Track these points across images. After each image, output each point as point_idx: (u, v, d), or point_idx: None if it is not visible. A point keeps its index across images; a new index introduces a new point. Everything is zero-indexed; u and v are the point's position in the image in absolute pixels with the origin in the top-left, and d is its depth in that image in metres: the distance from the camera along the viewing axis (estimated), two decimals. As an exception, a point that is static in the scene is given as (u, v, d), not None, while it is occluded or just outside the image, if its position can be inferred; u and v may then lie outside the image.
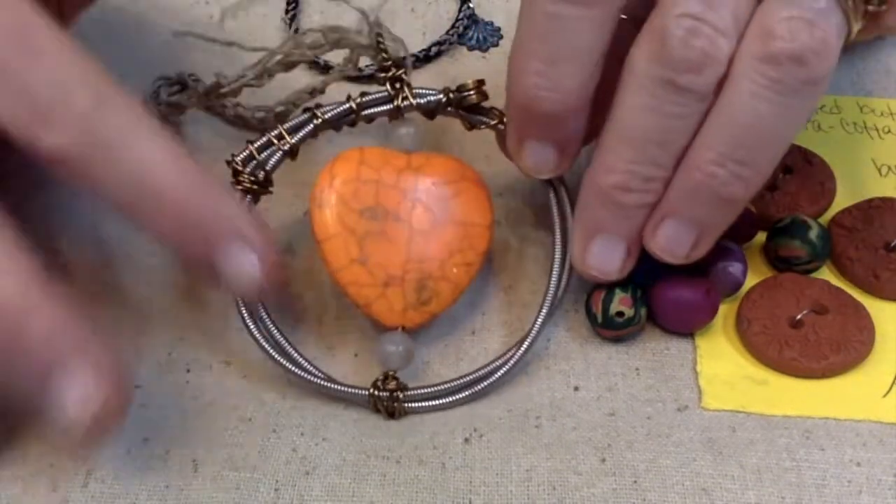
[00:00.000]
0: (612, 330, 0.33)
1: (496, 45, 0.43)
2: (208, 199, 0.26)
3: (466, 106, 0.34)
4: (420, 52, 0.42)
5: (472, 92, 0.33)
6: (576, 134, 0.31)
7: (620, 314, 0.32)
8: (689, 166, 0.29)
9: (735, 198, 0.29)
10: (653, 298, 0.33)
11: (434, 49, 0.42)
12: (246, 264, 0.26)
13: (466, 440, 0.30)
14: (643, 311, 0.33)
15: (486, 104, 0.34)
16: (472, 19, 0.44)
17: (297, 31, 0.43)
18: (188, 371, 0.33)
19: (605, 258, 0.31)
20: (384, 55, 0.34)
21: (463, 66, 0.43)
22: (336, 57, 0.40)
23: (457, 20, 0.44)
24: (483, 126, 0.34)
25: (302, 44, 0.34)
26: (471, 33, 0.44)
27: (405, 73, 0.34)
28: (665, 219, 0.30)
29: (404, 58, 0.34)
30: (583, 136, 0.32)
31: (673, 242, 0.30)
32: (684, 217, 0.30)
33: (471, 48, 0.43)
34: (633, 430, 0.31)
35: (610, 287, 0.32)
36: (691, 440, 0.30)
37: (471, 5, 0.44)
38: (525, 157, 0.32)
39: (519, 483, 0.29)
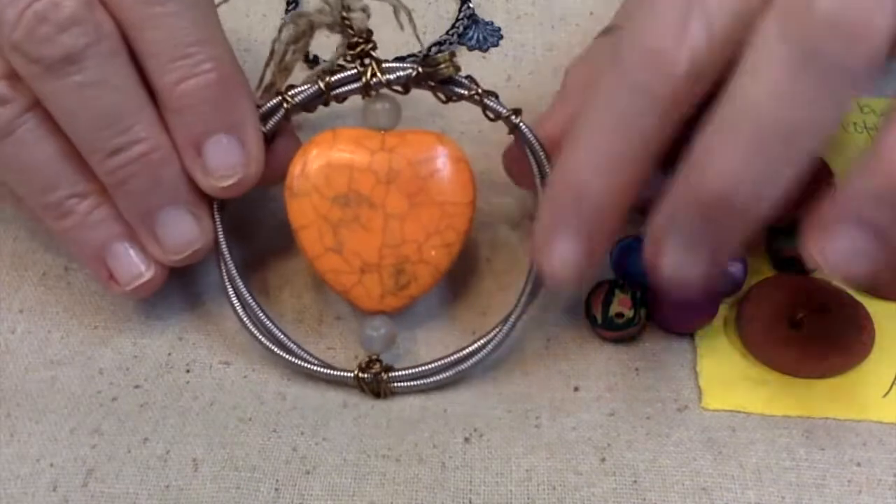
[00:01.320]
0: (611, 331, 0.33)
1: (496, 45, 0.43)
2: None
3: (439, 79, 0.33)
4: (420, 52, 0.42)
5: (442, 65, 0.32)
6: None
7: (620, 315, 0.32)
8: (873, 170, 0.24)
9: None
10: (653, 299, 0.33)
11: (434, 49, 0.42)
12: None
13: (466, 440, 0.30)
14: (643, 312, 0.33)
15: (478, 95, 0.33)
16: (472, 19, 0.44)
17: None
18: (188, 371, 0.33)
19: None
20: (350, 31, 0.32)
21: (463, 66, 0.42)
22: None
23: (457, 20, 0.44)
24: (457, 98, 0.33)
25: (286, 41, 0.34)
26: (471, 33, 0.44)
27: (373, 48, 0.32)
28: (839, 224, 0.25)
29: (410, 18, 0.33)
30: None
31: (850, 256, 0.25)
32: (865, 224, 0.25)
33: (471, 48, 0.43)
34: (632, 429, 0.30)
35: (610, 288, 0.32)
36: (691, 440, 0.30)
37: (471, 5, 0.44)
38: (551, 252, 0.29)
39: (519, 483, 0.29)
